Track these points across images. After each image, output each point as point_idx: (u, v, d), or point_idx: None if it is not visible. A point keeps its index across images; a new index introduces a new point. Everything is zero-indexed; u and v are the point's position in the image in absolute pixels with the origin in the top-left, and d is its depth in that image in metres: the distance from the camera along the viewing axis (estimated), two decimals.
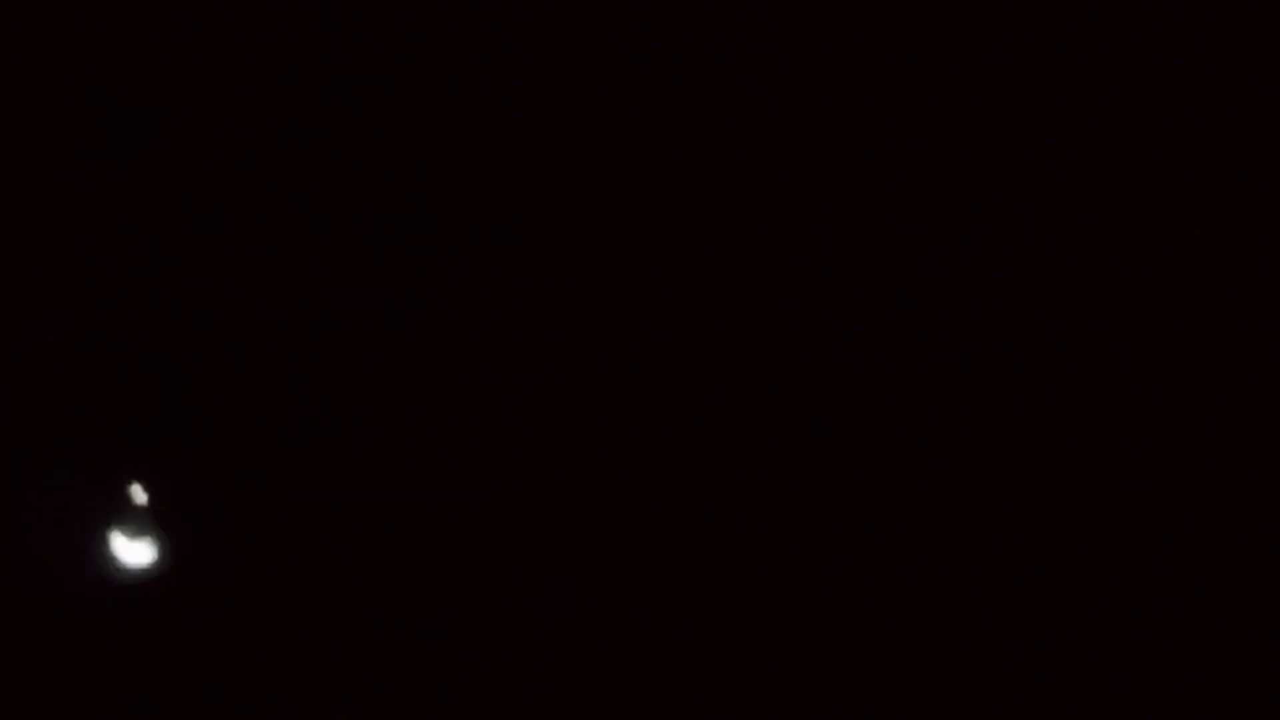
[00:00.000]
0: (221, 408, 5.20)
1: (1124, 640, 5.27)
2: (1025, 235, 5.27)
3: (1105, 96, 5.15)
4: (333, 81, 5.19)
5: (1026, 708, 5.30)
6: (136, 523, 5.17)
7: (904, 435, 5.36)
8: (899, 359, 5.34)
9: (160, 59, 5.15)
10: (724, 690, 5.33)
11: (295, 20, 5.13)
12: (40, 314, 5.24)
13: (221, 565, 5.28)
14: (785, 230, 5.30)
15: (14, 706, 5.18)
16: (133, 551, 5.22)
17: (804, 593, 5.35)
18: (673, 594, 5.34)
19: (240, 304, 5.28)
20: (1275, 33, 5.06)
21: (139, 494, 5.14)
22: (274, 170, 5.22)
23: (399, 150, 5.26)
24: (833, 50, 5.17)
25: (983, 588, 5.32)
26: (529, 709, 5.32)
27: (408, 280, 5.31)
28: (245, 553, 5.28)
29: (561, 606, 5.37)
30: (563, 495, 5.39)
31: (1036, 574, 5.32)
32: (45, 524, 5.22)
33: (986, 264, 5.27)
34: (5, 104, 5.14)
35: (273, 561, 5.27)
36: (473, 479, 5.38)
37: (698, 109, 5.23)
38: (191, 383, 5.27)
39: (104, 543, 5.22)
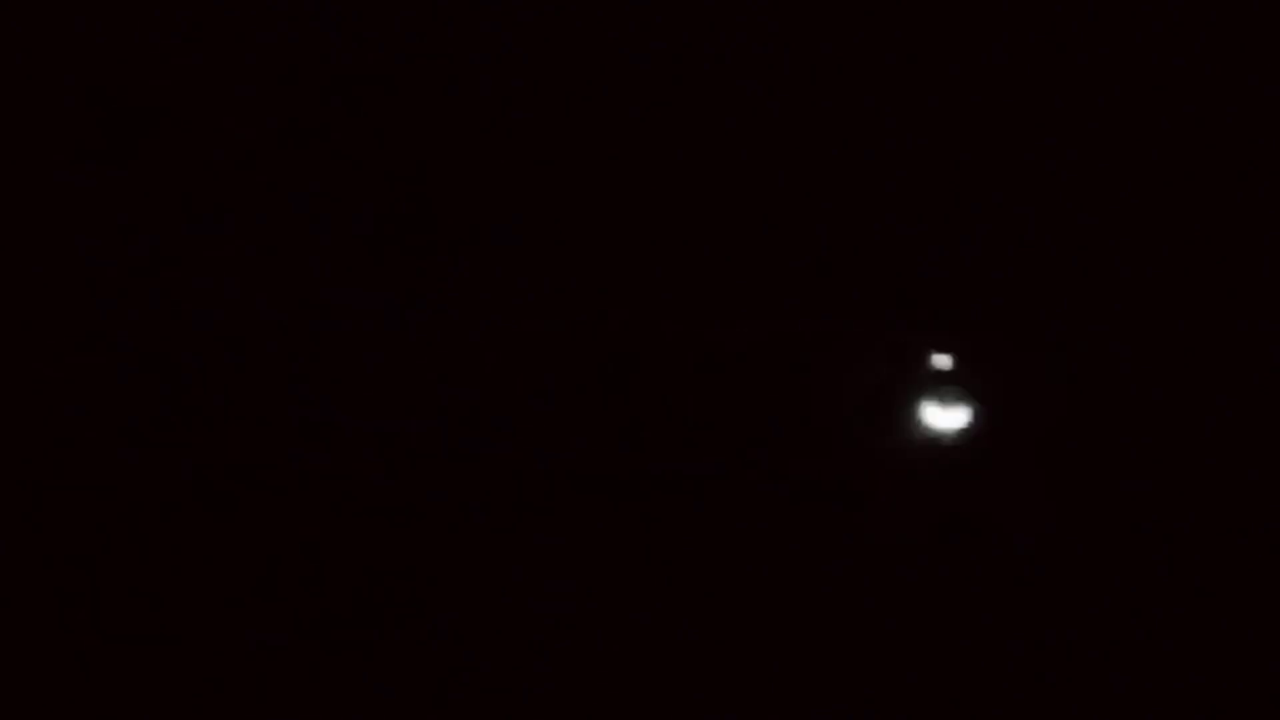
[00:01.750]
0: None
1: (1124, 640, 5.27)
2: (1025, 235, 5.27)
3: (1105, 96, 5.15)
4: (333, 81, 5.19)
5: (1026, 708, 5.29)
6: (945, 390, 5.15)
7: (903, 434, 5.36)
8: (898, 358, 5.34)
9: (160, 59, 5.15)
10: (724, 690, 5.33)
11: (295, 20, 5.13)
12: (40, 314, 5.25)
13: (1025, 429, 5.25)
14: (785, 230, 5.30)
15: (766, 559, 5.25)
16: (943, 418, 5.21)
17: (804, 593, 5.34)
18: (673, 594, 5.34)
19: (240, 303, 5.28)
20: (1275, 33, 5.07)
21: (944, 361, 5.10)
22: (274, 170, 5.22)
23: (399, 150, 5.26)
24: (833, 50, 5.17)
25: (983, 587, 5.32)
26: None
27: (408, 280, 5.31)
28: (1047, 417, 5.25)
29: (562, 606, 5.37)
30: (563, 495, 5.39)
31: (1036, 574, 5.32)
32: (856, 394, 5.22)
33: (986, 264, 5.27)
34: (5, 104, 5.14)
35: None
36: (472, 478, 5.38)
37: (698, 109, 5.23)
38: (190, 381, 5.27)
39: (915, 410, 5.23)
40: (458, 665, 5.32)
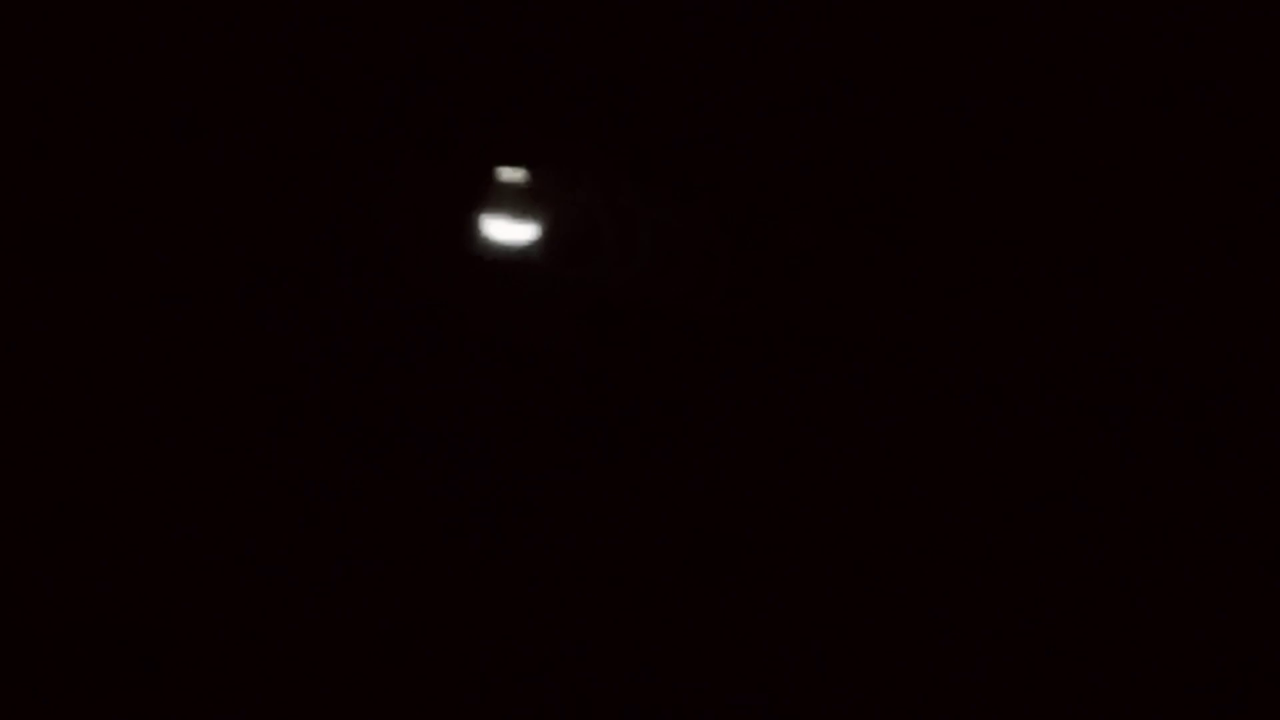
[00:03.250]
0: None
1: (1123, 640, 5.28)
2: (1025, 235, 5.27)
3: (1104, 96, 5.15)
4: (332, 81, 5.20)
5: (1026, 707, 5.30)
6: (511, 204, 5.01)
7: (903, 435, 5.37)
8: (898, 359, 5.34)
9: (160, 59, 5.17)
10: (724, 690, 5.34)
11: (295, 20, 5.14)
12: (40, 314, 5.26)
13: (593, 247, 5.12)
14: (785, 230, 5.31)
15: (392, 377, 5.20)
16: (508, 231, 5.10)
17: (804, 593, 5.35)
18: (672, 594, 5.35)
19: (240, 303, 5.29)
20: (1276, 33, 5.06)
21: (513, 175, 4.97)
22: (274, 170, 5.23)
23: (400, 150, 5.27)
24: (833, 50, 5.18)
25: (982, 588, 5.33)
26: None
27: (408, 279, 5.32)
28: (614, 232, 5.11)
29: (562, 606, 5.38)
30: (564, 496, 5.40)
31: (1036, 574, 5.32)
32: (419, 207, 5.12)
33: (985, 264, 5.28)
34: (5, 104, 5.16)
35: None
36: (472, 477, 5.39)
37: (703, 109, 5.24)
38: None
39: (479, 223, 5.09)
40: (457, 665, 5.33)
